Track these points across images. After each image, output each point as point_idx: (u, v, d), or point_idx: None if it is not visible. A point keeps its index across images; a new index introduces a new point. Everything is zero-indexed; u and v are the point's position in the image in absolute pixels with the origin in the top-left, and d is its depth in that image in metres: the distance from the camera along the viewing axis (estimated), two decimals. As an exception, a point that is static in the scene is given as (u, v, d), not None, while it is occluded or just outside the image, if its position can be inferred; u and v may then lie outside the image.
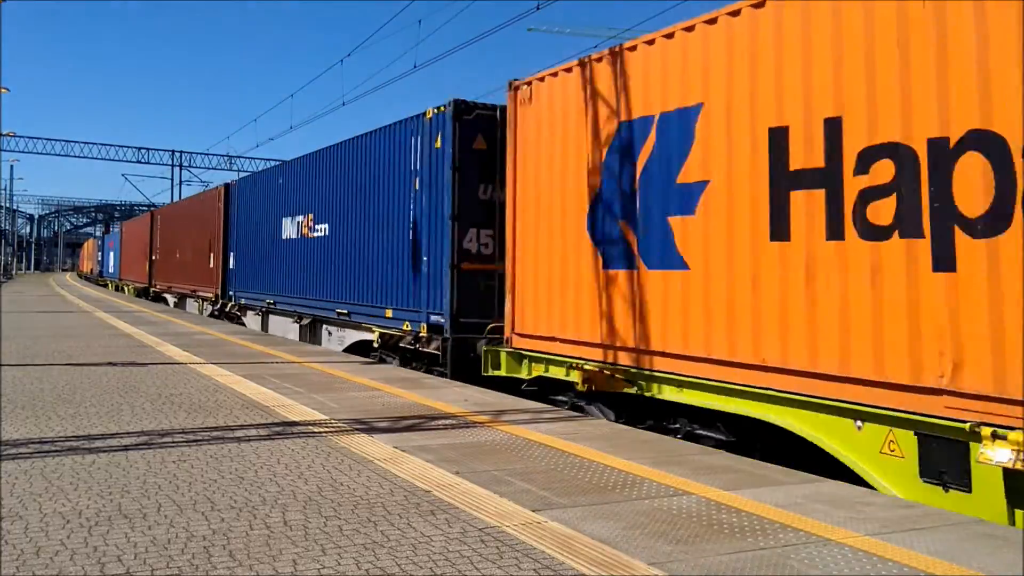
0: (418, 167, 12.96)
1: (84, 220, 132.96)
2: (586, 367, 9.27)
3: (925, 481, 5.93)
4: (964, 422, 5.67)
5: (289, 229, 19.16)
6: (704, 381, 7.85)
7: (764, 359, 7.28)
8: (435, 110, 12.49)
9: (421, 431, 7.33)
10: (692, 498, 5.25)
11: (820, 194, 6.83)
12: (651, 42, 8.77)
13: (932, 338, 5.96)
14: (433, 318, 12.27)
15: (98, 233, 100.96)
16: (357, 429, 7.36)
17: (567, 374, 9.74)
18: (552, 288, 10.10)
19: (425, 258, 12.67)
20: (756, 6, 7.52)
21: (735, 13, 7.74)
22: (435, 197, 12.39)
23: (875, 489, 6.00)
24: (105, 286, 55.55)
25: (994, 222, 5.64)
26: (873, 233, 6.40)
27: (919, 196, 6.09)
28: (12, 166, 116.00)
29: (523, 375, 10.66)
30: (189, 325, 20.23)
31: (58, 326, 18.93)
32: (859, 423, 6.44)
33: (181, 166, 67.68)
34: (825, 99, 6.84)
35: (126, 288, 46.16)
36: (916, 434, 5.99)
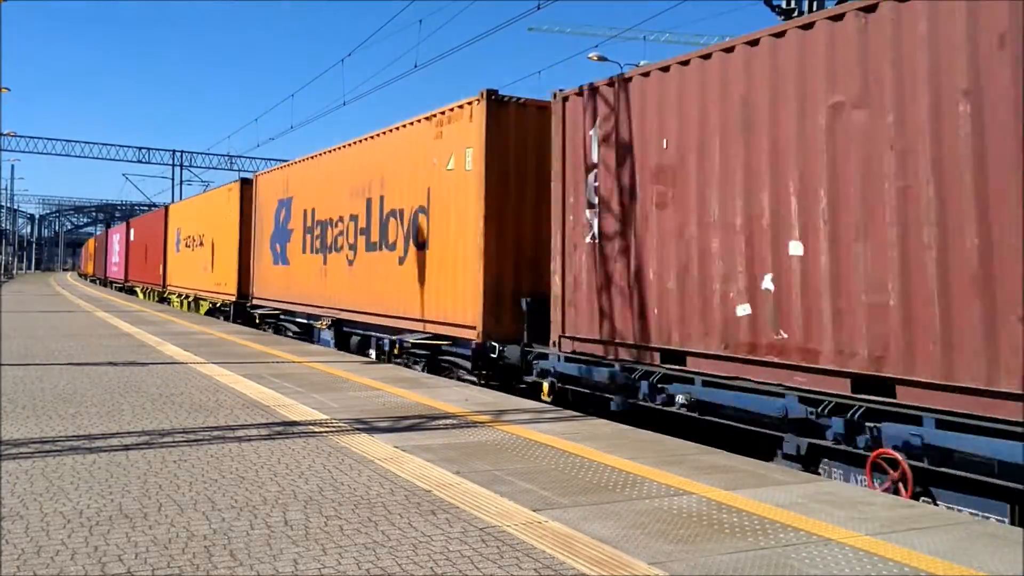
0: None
1: (85, 220, 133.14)
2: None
3: None
4: None
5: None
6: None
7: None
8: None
9: (422, 431, 7.33)
10: (693, 498, 5.25)
11: None
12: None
13: None
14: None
15: (98, 231, 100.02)
16: (357, 429, 7.36)
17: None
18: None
19: None
20: None
21: None
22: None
23: None
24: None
25: None
26: None
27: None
28: (13, 166, 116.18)
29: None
30: (189, 325, 20.24)
31: (58, 325, 18.94)
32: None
33: (182, 166, 67.84)
34: None
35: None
36: None
